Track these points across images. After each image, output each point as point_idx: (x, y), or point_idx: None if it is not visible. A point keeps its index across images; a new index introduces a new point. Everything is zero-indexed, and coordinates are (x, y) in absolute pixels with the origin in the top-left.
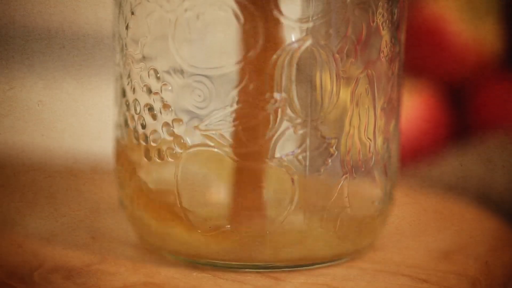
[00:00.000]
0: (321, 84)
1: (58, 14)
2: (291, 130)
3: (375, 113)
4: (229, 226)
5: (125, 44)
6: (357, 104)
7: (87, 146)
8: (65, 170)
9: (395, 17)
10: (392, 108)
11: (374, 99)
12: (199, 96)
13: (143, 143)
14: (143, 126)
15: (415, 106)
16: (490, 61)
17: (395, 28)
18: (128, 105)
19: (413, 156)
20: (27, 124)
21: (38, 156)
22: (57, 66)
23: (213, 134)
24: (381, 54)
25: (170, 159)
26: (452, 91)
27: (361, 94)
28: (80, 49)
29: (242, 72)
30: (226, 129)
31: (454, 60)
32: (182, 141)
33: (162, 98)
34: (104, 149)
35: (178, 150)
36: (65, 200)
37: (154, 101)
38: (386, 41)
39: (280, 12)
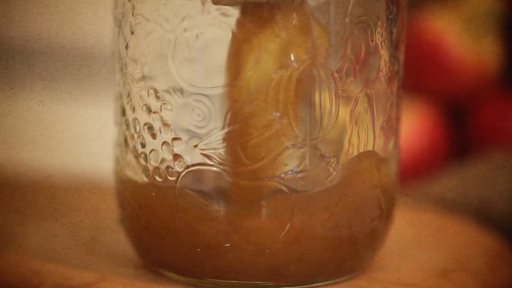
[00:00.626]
0: (320, 103)
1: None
2: (290, 149)
3: (374, 132)
4: (228, 244)
5: (125, 64)
6: (356, 123)
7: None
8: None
9: (394, 36)
10: (391, 127)
11: (373, 118)
12: (199, 115)
13: (143, 162)
14: (143, 145)
15: (414, 124)
16: (489, 79)
17: (394, 47)
18: (127, 124)
19: (413, 174)
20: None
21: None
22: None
23: (212, 153)
24: (380, 73)
25: (169, 178)
26: (451, 109)
27: (360, 113)
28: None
29: (242, 92)
30: (225, 148)
31: (453, 78)
32: (181, 160)
33: (161, 117)
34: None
35: (177, 169)
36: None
37: (153, 120)
38: (385, 60)
39: (279, 31)
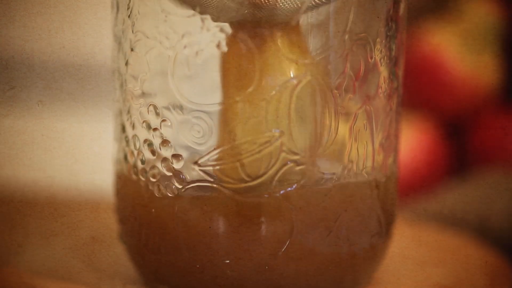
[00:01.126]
0: (319, 120)
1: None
2: (290, 165)
3: (373, 149)
4: (228, 260)
5: (125, 80)
6: (355, 140)
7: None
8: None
9: (393, 53)
10: (391, 143)
11: (372, 135)
12: (198, 132)
13: (143, 179)
14: (143, 162)
15: (413, 140)
16: (488, 94)
17: (393, 64)
18: (127, 141)
19: (412, 190)
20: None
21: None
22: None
23: (212, 169)
24: (379, 90)
25: (169, 195)
26: (450, 125)
27: (359, 130)
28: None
29: (241, 108)
30: (225, 165)
31: (452, 94)
32: (181, 176)
33: (161, 134)
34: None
35: (177, 185)
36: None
37: (153, 137)
38: (384, 77)
39: (278, 48)
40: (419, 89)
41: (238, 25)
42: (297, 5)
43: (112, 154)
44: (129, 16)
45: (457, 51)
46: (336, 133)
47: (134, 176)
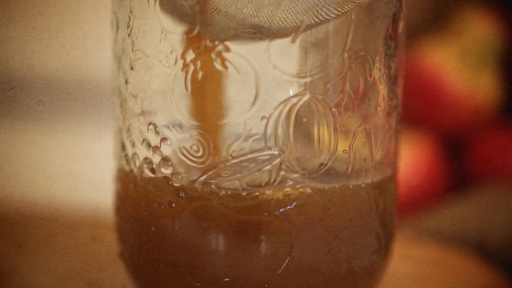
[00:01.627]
0: (319, 138)
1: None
2: (289, 184)
3: (373, 166)
4: (228, 279)
5: (125, 99)
6: (355, 158)
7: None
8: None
9: (392, 71)
10: (390, 161)
11: (371, 153)
12: (198, 150)
13: (143, 197)
14: (143, 180)
15: (413, 158)
16: (487, 112)
17: (392, 82)
18: (127, 159)
19: (411, 207)
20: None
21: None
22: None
23: (212, 187)
24: (379, 108)
25: (169, 212)
26: (449, 142)
27: (358, 148)
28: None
29: (241, 127)
30: (224, 183)
31: (451, 111)
32: (181, 194)
33: (161, 152)
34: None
35: (177, 203)
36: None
37: (153, 155)
38: (383, 95)
39: (278, 67)
40: (418, 107)
41: (237, 43)
42: (296, 23)
43: (112, 172)
44: (129, 35)
45: (456, 69)
46: (336, 151)
47: (134, 194)
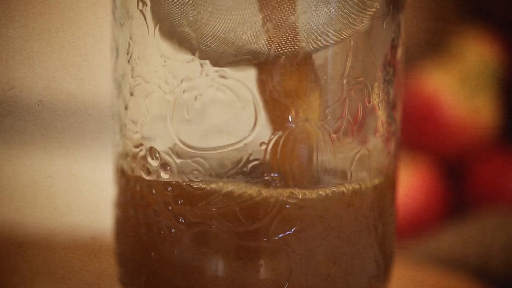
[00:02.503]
0: (318, 164)
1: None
2: (288, 209)
3: (372, 191)
4: None
5: (124, 125)
6: (353, 183)
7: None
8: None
9: (391, 97)
10: (389, 186)
11: (370, 178)
12: (197, 175)
13: (142, 222)
14: (143, 205)
15: (412, 182)
16: (486, 135)
17: (391, 108)
18: (127, 185)
19: (410, 232)
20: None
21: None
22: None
23: (211, 213)
24: (377, 134)
25: (169, 238)
26: (449, 165)
27: (357, 173)
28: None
29: (240, 154)
30: (224, 209)
31: (450, 135)
32: (180, 219)
33: (161, 177)
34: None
35: (176, 229)
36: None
37: (152, 181)
38: (382, 121)
39: (277, 93)
40: (417, 131)
41: (236, 69)
42: (295, 50)
43: (112, 198)
44: (128, 61)
45: (455, 93)
46: (335, 177)
47: (133, 219)
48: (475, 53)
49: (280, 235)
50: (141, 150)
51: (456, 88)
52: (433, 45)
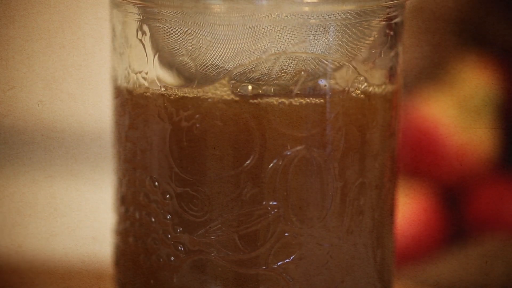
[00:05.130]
0: (316, 192)
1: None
2: (287, 237)
3: (372, 219)
4: None
5: (124, 152)
6: (352, 211)
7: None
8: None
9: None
10: (387, 213)
11: (369, 206)
12: (196, 204)
13: (142, 249)
14: (142, 233)
15: (410, 209)
16: (485, 162)
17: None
18: (126, 212)
19: (409, 259)
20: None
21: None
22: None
23: (210, 241)
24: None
25: (168, 266)
26: (447, 194)
27: (356, 201)
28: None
29: (239, 182)
30: (223, 237)
31: (448, 162)
32: (180, 247)
33: (160, 206)
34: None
35: (176, 257)
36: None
37: (152, 209)
38: None
39: (275, 121)
40: (416, 158)
41: (235, 98)
42: (294, 79)
43: (111, 226)
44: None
45: (454, 120)
46: (333, 205)
47: (133, 247)
48: (475, 81)
49: (279, 263)
50: (140, 178)
51: (455, 115)
52: (432, 73)
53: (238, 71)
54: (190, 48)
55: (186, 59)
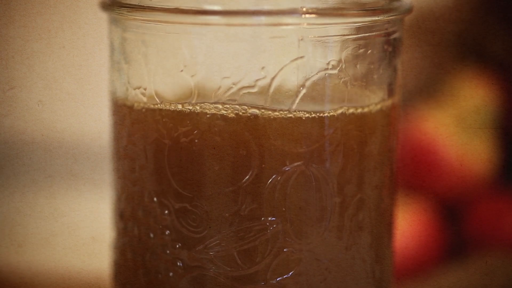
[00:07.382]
0: (315, 208)
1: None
2: (286, 253)
3: (371, 234)
4: None
5: (122, 168)
6: (351, 227)
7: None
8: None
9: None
10: (386, 229)
11: (368, 221)
12: (195, 219)
13: (140, 265)
14: (140, 249)
15: (409, 225)
16: (483, 178)
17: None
18: (125, 228)
19: (408, 275)
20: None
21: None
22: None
23: (209, 257)
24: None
25: (167, 281)
26: (446, 208)
27: (354, 217)
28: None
29: (237, 197)
30: (221, 253)
31: (447, 177)
32: (178, 263)
33: (159, 221)
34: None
35: (174, 272)
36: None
37: (151, 224)
38: None
39: (274, 137)
40: (415, 173)
41: (233, 114)
42: (292, 95)
43: (110, 241)
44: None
45: (452, 134)
46: (332, 221)
47: (131, 263)
48: (473, 96)
49: (277, 279)
50: (139, 194)
51: (453, 130)
52: (429, 87)
53: (237, 87)
54: (189, 63)
55: (184, 74)
